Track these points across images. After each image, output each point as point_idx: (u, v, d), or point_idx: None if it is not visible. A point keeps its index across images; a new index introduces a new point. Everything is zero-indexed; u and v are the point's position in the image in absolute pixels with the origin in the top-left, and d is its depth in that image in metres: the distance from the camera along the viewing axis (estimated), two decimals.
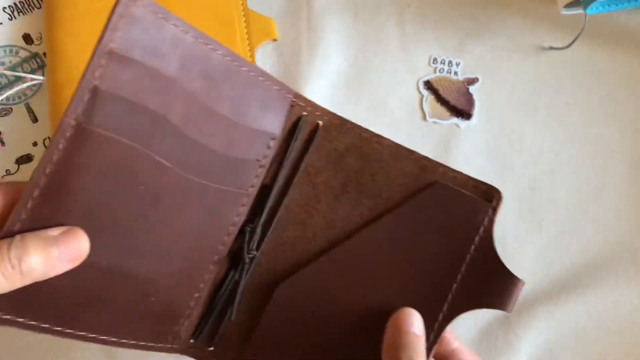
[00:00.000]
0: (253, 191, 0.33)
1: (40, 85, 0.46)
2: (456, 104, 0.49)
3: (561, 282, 0.46)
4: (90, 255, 0.27)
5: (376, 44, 0.50)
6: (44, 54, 0.47)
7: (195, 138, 0.29)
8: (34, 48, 0.47)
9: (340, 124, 0.35)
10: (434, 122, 0.49)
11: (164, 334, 0.33)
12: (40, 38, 0.47)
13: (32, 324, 0.27)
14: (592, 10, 0.46)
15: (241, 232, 0.34)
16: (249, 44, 0.48)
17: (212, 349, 0.35)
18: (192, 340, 0.35)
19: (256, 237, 0.33)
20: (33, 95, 0.46)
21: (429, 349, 0.32)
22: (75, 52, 0.44)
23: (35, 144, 0.45)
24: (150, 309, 0.31)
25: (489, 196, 0.34)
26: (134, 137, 0.26)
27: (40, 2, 0.48)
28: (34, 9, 0.48)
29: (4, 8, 0.47)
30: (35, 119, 0.46)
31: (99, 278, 0.28)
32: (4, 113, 0.46)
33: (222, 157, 0.31)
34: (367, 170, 0.34)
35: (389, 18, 0.51)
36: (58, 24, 0.44)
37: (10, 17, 0.47)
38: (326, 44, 0.50)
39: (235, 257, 0.34)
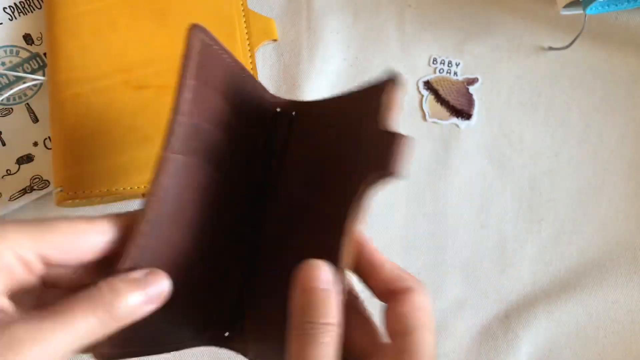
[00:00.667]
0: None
1: (40, 85, 0.46)
2: (456, 104, 0.49)
3: (561, 282, 0.46)
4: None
5: (376, 44, 0.50)
6: (44, 54, 0.47)
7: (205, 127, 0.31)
8: (34, 48, 0.47)
9: (308, 109, 0.36)
10: (434, 122, 0.49)
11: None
12: (41, 38, 0.47)
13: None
14: (591, 10, 0.47)
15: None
16: (249, 44, 0.48)
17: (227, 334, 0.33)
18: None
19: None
20: (34, 95, 0.46)
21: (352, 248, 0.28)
22: (76, 51, 0.44)
23: (35, 144, 0.45)
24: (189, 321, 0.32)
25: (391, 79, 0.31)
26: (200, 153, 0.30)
27: (41, 2, 0.48)
28: (34, 9, 0.48)
29: (5, 8, 0.47)
30: (35, 119, 0.46)
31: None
32: (4, 113, 0.46)
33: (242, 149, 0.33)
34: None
35: (388, 18, 0.51)
36: (58, 24, 0.45)
37: (10, 17, 0.47)
38: (326, 44, 0.50)
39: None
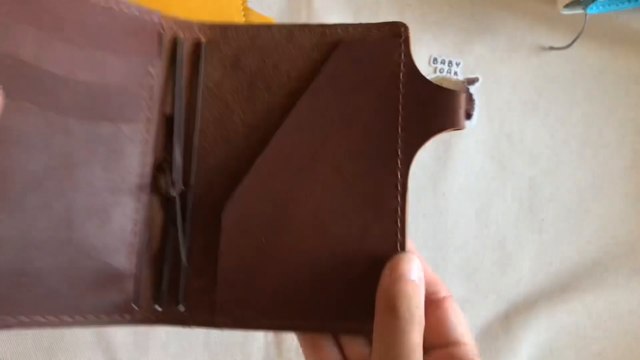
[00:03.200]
0: (151, 125, 0.31)
1: None
2: None
3: (561, 282, 0.46)
4: None
5: None
6: None
7: (55, 72, 0.28)
8: None
9: (223, 33, 0.33)
10: None
11: (115, 304, 0.30)
12: None
13: None
14: (592, 10, 0.47)
15: (160, 170, 0.31)
16: None
17: (182, 309, 0.31)
18: (157, 307, 0.31)
19: (178, 171, 0.31)
20: None
21: (402, 194, 0.31)
22: None
23: None
24: (82, 275, 0.29)
25: (396, 32, 0.32)
26: None
27: None
28: None
29: None
30: None
31: (13, 253, 0.27)
32: None
33: (97, 89, 0.29)
34: (268, 63, 0.32)
35: (388, 18, 0.51)
36: None
37: None
38: None
39: (164, 198, 0.31)
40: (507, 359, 0.44)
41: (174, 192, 0.31)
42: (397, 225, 0.31)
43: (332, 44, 0.32)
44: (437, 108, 0.32)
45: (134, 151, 0.30)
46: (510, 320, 0.45)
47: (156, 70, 0.31)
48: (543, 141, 0.49)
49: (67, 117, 0.28)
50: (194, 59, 0.33)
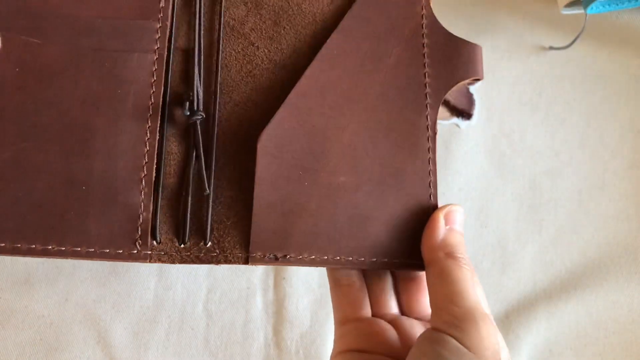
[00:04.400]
0: (162, 52, 0.31)
1: None
2: (456, 103, 0.49)
3: (561, 282, 0.46)
4: None
5: None
6: None
7: (63, 11, 0.29)
8: None
9: None
10: None
11: (126, 234, 0.29)
12: None
13: None
14: (592, 10, 0.46)
15: (179, 103, 0.31)
16: None
17: (208, 244, 0.30)
18: (180, 244, 0.30)
19: (198, 100, 0.31)
20: None
21: (433, 137, 0.33)
22: None
23: None
24: (89, 202, 0.28)
25: None
26: None
27: None
28: None
29: None
30: None
31: (10, 174, 0.27)
32: None
33: (103, 22, 0.30)
34: (291, 2, 0.33)
35: None
36: None
37: None
38: None
39: (182, 131, 0.31)
40: None
41: (196, 118, 0.30)
42: (429, 165, 0.32)
43: None
44: (460, 59, 0.34)
45: (144, 80, 0.30)
46: (510, 320, 0.45)
47: (168, 3, 0.31)
48: (543, 141, 0.49)
49: (74, 50, 0.29)
50: None
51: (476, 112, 0.49)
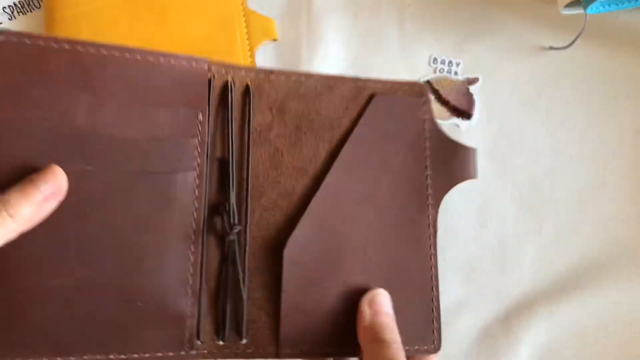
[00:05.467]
0: (202, 171, 0.33)
1: None
2: (456, 104, 0.49)
3: (561, 282, 0.46)
4: (54, 278, 0.29)
5: (376, 44, 0.50)
6: None
7: (109, 133, 0.31)
8: None
9: (267, 77, 0.36)
10: None
11: (176, 339, 0.32)
12: None
13: None
14: (592, 10, 0.46)
15: (216, 212, 0.33)
16: (248, 44, 0.48)
17: (244, 341, 0.33)
18: (219, 341, 0.33)
19: (234, 213, 0.33)
20: None
21: (434, 234, 0.37)
22: None
23: None
24: (145, 315, 0.31)
25: (419, 92, 0.39)
26: (39, 152, 0.29)
27: (40, 1, 0.48)
28: (33, 9, 0.47)
29: (4, 8, 0.47)
30: None
31: (75, 297, 0.29)
32: None
33: (147, 143, 0.31)
34: (311, 109, 0.36)
35: (388, 18, 0.51)
36: (58, 24, 0.44)
37: (10, 17, 0.47)
38: (326, 44, 0.50)
39: (219, 238, 0.34)
40: (506, 359, 0.44)
41: (233, 235, 0.33)
42: (431, 260, 0.37)
43: (367, 95, 0.37)
44: (457, 162, 0.38)
45: (188, 198, 0.32)
46: (510, 320, 0.45)
47: (205, 117, 0.33)
48: (543, 141, 0.49)
49: (123, 174, 0.31)
50: (242, 102, 0.35)
51: (476, 112, 0.50)
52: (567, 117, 0.49)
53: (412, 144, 0.37)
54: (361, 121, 0.36)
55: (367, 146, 0.36)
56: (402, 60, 0.50)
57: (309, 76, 0.37)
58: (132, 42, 0.45)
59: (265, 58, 0.49)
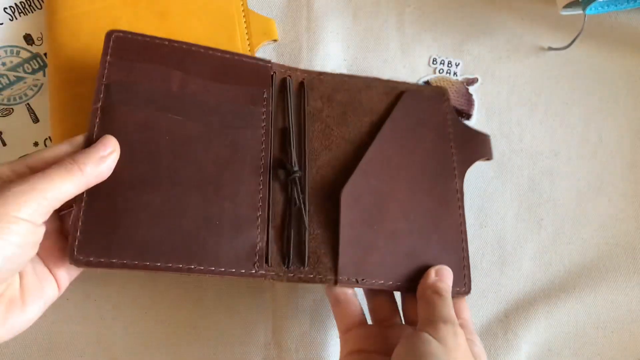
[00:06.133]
0: (267, 129, 0.41)
1: (41, 85, 0.46)
2: (456, 104, 0.49)
3: (560, 282, 0.46)
4: (145, 193, 0.36)
5: (376, 45, 0.50)
6: (45, 54, 0.47)
7: (195, 97, 0.40)
8: (35, 48, 0.47)
9: (318, 76, 0.45)
10: None
11: (248, 259, 0.37)
12: (41, 38, 0.47)
13: (123, 263, 0.34)
14: (591, 10, 0.47)
15: (279, 166, 0.41)
16: (249, 45, 0.48)
17: (307, 268, 0.39)
18: (284, 267, 0.39)
19: (294, 164, 0.41)
20: (34, 95, 0.46)
21: (461, 198, 0.43)
22: (76, 52, 0.44)
23: (36, 144, 0.45)
24: (222, 234, 0.37)
25: (441, 92, 0.47)
26: (148, 104, 0.38)
27: (41, 2, 0.48)
28: (34, 9, 0.48)
29: (5, 8, 0.47)
30: (36, 119, 0.46)
31: (163, 212, 0.36)
32: (5, 113, 0.46)
33: (224, 106, 0.40)
34: (355, 99, 0.45)
35: (388, 19, 0.51)
36: (59, 25, 0.45)
37: (11, 18, 0.47)
38: (326, 45, 0.50)
39: (283, 185, 0.41)
40: (506, 358, 0.45)
41: (294, 175, 0.40)
42: (460, 218, 0.43)
43: (399, 91, 0.46)
44: (476, 143, 0.46)
45: (257, 147, 0.40)
46: (509, 319, 0.45)
47: (269, 95, 0.42)
48: (542, 141, 0.49)
49: (206, 124, 0.39)
50: (297, 92, 0.44)
51: (475, 112, 0.50)
52: (566, 117, 0.50)
53: (437, 128, 0.45)
54: (395, 109, 0.45)
55: (402, 127, 0.44)
56: (402, 61, 0.50)
57: (351, 77, 0.45)
58: None
59: (265, 58, 0.49)
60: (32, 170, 0.33)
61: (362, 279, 0.39)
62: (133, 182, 0.36)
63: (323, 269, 0.39)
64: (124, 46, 0.39)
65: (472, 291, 0.46)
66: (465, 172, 0.44)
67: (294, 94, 0.44)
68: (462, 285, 0.42)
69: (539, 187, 0.48)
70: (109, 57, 0.39)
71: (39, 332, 0.43)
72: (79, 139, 0.36)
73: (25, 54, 0.47)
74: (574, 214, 0.48)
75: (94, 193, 0.35)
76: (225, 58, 0.42)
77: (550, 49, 0.51)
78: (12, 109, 0.46)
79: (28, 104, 0.46)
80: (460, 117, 0.49)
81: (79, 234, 0.34)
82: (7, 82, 0.46)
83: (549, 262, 0.47)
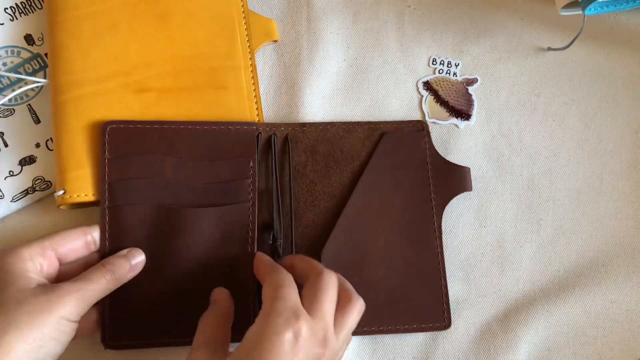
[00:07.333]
0: (254, 199, 0.44)
1: (42, 86, 0.46)
2: (455, 104, 0.49)
3: (559, 282, 0.47)
4: (157, 283, 0.42)
5: (376, 45, 0.51)
6: (46, 54, 0.47)
7: (188, 182, 0.43)
8: (35, 49, 0.47)
9: (301, 129, 0.47)
10: (433, 123, 0.49)
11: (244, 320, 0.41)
12: (42, 39, 0.47)
13: (149, 342, 0.42)
14: (590, 11, 0.47)
15: (266, 229, 0.44)
16: (249, 45, 0.48)
17: None
18: None
19: (280, 231, 0.44)
20: (35, 96, 0.46)
21: (439, 236, 0.46)
22: (77, 54, 0.44)
23: (37, 145, 0.45)
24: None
25: (420, 127, 0.48)
26: (148, 198, 0.43)
27: (42, 2, 0.48)
28: (35, 10, 0.48)
29: (5, 9, 0.47)
30: (37, 120, 0.46)
31: (167, 295, 0.42)
32: (6, 114, 0.46)
33: (215, 186, 0.44)
34: (336, 149, 0.47)
35: (388, 19, 0.51)
36: (59, 26, 0.45)
37: (11, 18, 0.47)
38: (326, 45, 0.50)
39: (271, 248, 0.44)
40: (505, 357, 0.45)
41: (278, 242, 0.44)
42: (439, 257, 0.45)
43: (379, 134, 0.47)
44: (454, 179, 0.47)
45: (245, 220, 0.43)
46: (508, 319, 0.46)
47: (255, 164, 0.44)
48: (542, 141, 0.49)
49: (199, 207, 0.43)
50: (282, 149, 0.46)
51: (475, 112, 0.50)
52: (565, 118, 0.50)
53: (417, 167, 0.47)
54: (375, 154, 0.47)
55: (381, 172, 0.46)
56: (402, 61, 0.50)
57: (332, 125, 0.47)
58: (133, 44, 0.45)
59: (265, 58, 0.49)
60: (60, 260, 0.40)
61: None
62: (145, 272, 0.41)
63: None
64: (120, 138, 0.43)
65: (472, 291, 0.46)
66: (444, 208, 0.46)
67: (280, 150, 0.46)
68: (442, 321, 0.44)
69: (538, 187, 0.48)
70: (107, 154, 0.42)
71: None
72: (94, 233, 0.42)
73: (25, 54, 0.47)
74: (574, 214, 0.48)
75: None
76: (212, 131, 0.44)
77: (549, 49, 0.51)
78: (14, 109, 0.46)
79: (29, 104, 0.46)
80: (460, 117, 0.49)
81: (109, 322, 0.41)
82: (8, 82, 0.46)
83: (548, 262, 0.47)
